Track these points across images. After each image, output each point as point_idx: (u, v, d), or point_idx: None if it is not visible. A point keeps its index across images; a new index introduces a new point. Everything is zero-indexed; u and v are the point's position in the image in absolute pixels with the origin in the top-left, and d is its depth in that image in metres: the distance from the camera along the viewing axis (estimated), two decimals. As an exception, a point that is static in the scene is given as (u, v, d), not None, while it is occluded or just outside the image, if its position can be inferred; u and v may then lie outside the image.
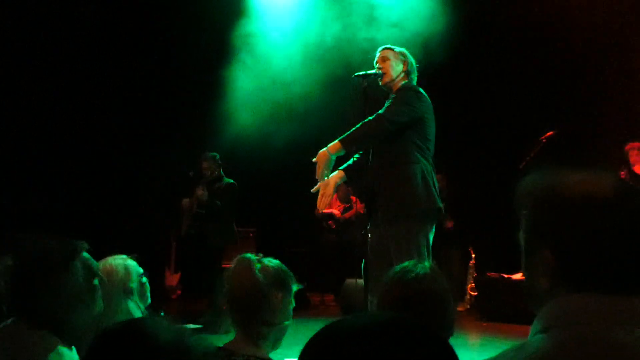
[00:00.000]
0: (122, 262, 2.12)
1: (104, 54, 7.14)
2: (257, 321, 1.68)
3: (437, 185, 3.28)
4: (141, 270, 2.18)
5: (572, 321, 0.86)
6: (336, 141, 3.21)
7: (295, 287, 1.80)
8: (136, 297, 2.11)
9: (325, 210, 7.36)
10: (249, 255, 1.78)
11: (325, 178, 3.26)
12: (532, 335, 0.90)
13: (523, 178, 1.00)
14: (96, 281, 1.72)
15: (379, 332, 0.73)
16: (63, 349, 1.51)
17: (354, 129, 3.22)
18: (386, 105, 3.28)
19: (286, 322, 1.76)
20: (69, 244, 1.66)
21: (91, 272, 1.70)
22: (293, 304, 1.80)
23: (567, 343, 0.84)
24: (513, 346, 0.90)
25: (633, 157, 5.74)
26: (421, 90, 3.36)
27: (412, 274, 1.54)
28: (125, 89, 7.36)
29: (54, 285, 1.59)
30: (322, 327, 0.77)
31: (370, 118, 3.22)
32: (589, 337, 0.83)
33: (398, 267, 1.60)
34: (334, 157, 3.24)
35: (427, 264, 1.60)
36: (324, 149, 3.23)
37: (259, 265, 1.72)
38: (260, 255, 1.80)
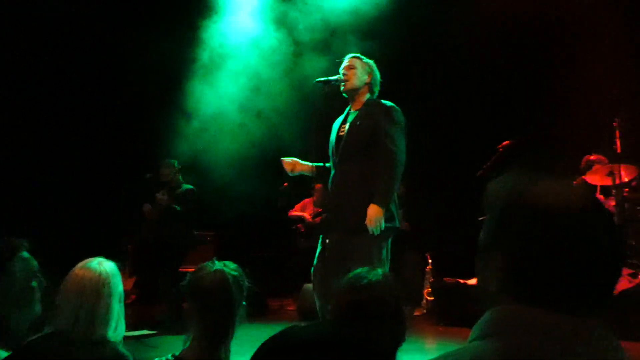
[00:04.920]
0: (113, 265, 2.06)
1: (69, 61, 6.99)
2: (226, 326, 1.74)
3: (397, 202, 3.33)
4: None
5: (510, 331, 0.84)
6: (377, 205, 3.15)
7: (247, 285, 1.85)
8: (121, 302, 2.06)
9: (296, 213, 7.37)
10: (217, 263, 1.82)
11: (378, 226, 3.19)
12: (470, 340, 0.89)
13: (497, 177, 0.99)
14: (34, 283, 1.66)
15: (321, 346, 0.74)
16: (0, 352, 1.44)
17: (382, 184, 3.19)
18: (386, 129, 3.28)
19: (242, 323, 1.82)
20: (6, 242, 1.59)
21: (30, 273, 1.63)
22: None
23: (503, 353, 0.82)
24: (451, 350, 0.89)
25: (596, 167, 5.86)
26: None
27: (365, 281, 1.55)
28: (86, 94, 7.22)
29: None
30: (274, 334, 0.78)
31: (386, 163, 3.22)
32: (523, 350, 0.81)
33: (352, 274, 1.62)
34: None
35: (379, 271, 1.62)
36: (376, 210, 3.13)
37: (230, 275, 1.78)
38: (223, 262, 1.83)
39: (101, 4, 7.14)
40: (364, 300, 1.51)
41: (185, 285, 1.80)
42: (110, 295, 1.93)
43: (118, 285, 2.01)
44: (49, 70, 6.99)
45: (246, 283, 1.84)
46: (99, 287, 1.88)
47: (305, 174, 3.58)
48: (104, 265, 2.00)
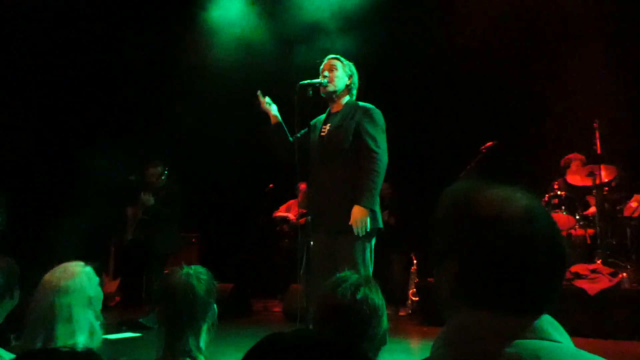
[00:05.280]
0: (84, 269, 1.99)
1: (50, 56, 6.92)
2: (196, 332, 1.78)
3: (379, 202, 3.35)
4: (97, 278, 2.04)
5: (471, 337, 0.89)
6: (361, 206, 3.14)
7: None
8: (96, 307, 1.97)
9: (281, 214, 7.36)
10: (185, 268, 1.87)
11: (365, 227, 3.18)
12: (436, 349, 0.93)
13: (447, 187, 1.03)
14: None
15: (303, 352, 0.78)
16: None
17: (366, 185, 3.18)
18: (368, 130, 3.29)
19: (214, 324, 1.87)
20: None
21: None
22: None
23: (464, 358, 0.86)
24: None
25: (577, 165, 5.99)
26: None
27: (347, 284, 1.58)
28: (70, 92, 7.15)
29: None
30: (261, 337, 0.80)
31: (369, 164, 3.22)
32: (483, 354, 0.86)
33: (334, 278, 1.64)
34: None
35: (361, 274, 1.65)
36: (361, 211, 3.14)
37: (196, 280, 1.82)
38: (191, 266, 1.89)
39: (88, 4, 7.09)
40: (345, 304, 1.54)
41: (156, 290, 1.83)
42: (70, 303, 1.85)
43: (86, 290, 1.92)
44: (38, 69, 6.92)
45: (215, 286, 1.88)
46: (53, 296, 1.81)
47: (268, 114, 3.55)
48: (68, 272, 1.92)
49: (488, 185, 0.98)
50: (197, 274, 1.85)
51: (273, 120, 3.54)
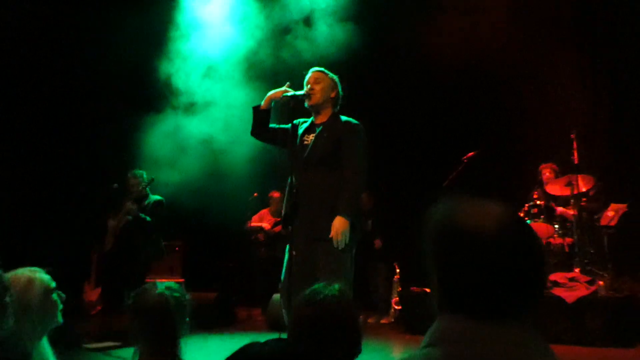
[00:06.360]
0: (28, 274, 1.92)
1: (28, 61, 6.88)
2: (169, 342, 1.86)
3: (359, 211, 3.40)
4: (52, 285, 1.97)
5: (452, 339, 0.95)
6: (342, 217, 3.19)
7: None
8: (33, 316, 1.88)
9: (255, 224, 7.36)
10: (159, 285, 1.92)
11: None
12: (422, 347, 0.99)
13: (432, 205, 1.08)
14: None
15: None
16: None
17: (347, 197, 3.23)
18: (351, 144, 3.35)
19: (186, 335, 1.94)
20: None
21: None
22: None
23: (445, 357, 0.93)
24: (402, 356, 0.99)
25: (546, 175, 6.15)
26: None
27: (321, 296, 1.63)
28: (53, 98, 7.11)
29: None
30: (242, 345, 0.83)
31: (350, 176, 3.28)
32: (462, 354, 0.92)
33: (309, 289, 1.68)
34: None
35: (336, 286, 1.69)
36: (342, 222, 3.18)
37: (172, 297, 1.88)
38: (165, 284, 1.94)
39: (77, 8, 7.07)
40: (319, 315, 1.58)
41: (129, 305, 1.85)
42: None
43: (22, 296, 1.85)
44: (22, 72, 6.87)
45: (188, 299, 1.93)
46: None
47: (268, 99, 3.54)
48: (13, 273, 1.88)
49: (468, 200, 1.03)
50: (171, 291, 1.88)
51: (265, 106, 3.55)
